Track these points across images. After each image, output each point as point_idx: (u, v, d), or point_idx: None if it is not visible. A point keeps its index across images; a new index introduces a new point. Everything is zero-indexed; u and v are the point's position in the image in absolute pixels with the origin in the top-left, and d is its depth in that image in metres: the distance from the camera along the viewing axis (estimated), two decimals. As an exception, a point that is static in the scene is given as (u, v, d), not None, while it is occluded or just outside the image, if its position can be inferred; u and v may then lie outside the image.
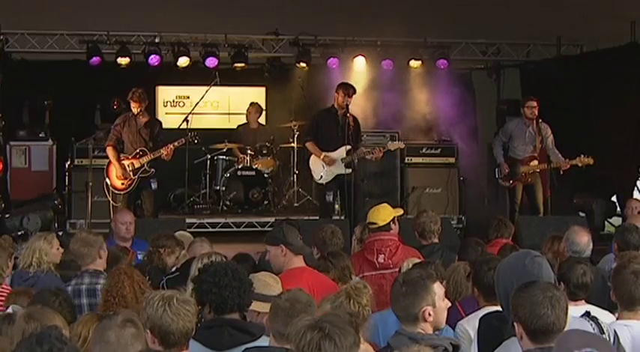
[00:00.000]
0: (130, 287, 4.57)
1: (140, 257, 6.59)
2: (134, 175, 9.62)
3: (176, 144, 9.68)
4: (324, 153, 9.55)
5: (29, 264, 5.73)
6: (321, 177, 9.64)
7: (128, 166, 9.62)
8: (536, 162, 10.07)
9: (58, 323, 3.63)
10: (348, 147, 9.46)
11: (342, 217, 9.71)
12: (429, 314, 3.64)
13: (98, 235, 5.71)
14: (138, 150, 9.63)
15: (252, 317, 4.15)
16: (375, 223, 6.27)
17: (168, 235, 6.44)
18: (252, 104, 12.45)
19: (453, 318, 4.59)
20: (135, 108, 9.53)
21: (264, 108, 12.70)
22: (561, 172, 9.70)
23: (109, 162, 9.73)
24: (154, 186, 9.68)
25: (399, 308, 3.68)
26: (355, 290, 4.11)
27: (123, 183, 9.64)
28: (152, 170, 9.63)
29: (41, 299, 4.37)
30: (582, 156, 9.66)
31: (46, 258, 5.75)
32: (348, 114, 9.44)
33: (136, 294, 4.53)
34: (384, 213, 6.33)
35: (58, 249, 5.86)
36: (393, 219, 6.32)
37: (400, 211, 6.62)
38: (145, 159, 9.58)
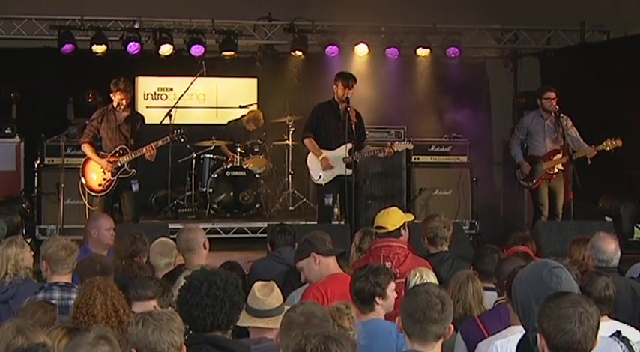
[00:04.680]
0: (101, 305, 4.50)
1: None
2: (113, 176, 9.57)
3: (160, 142, 9.62)
4: (323, 155, 9.51)
5: (4, 273, 5.69)
6: (320, 177, 9.61)
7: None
8: (559, 156, 10.04)
9: (47, 342, 3.64)
10: (350, 145, 9.44)
11: (342, 222, 9.70)
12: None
13: (76, 245, 5.67)
14: (117, 149, 9.58)
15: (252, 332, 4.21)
16: (384, 227, 6.24)
17: (129, 239, 6.39)
18: (250, 113, 12.39)
19: (472, 335, 4.56)
20: (120, 99, 9.37)
21: (259, 110, 12.65)
22: (589, 161, 9.65)
23: (86, 159, 9.69)
24: (134, 188, 9.63)
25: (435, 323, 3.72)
26: (337, 311, 4.11)
27: (101, 185, 9.59)
28: (133, 171, 9.57)
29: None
30: (609, 139, 9.65)
31: (23, 263, 5.71)
32: (349, 109, 9.42)
33: (107, 313, 4.45)
34: (394, 217, 6.29)
35: (30, 251, 5.83)
36: (403, 225, 6.30)
37: (411, 217, 6.57)
38: (125, 159, 9.52)
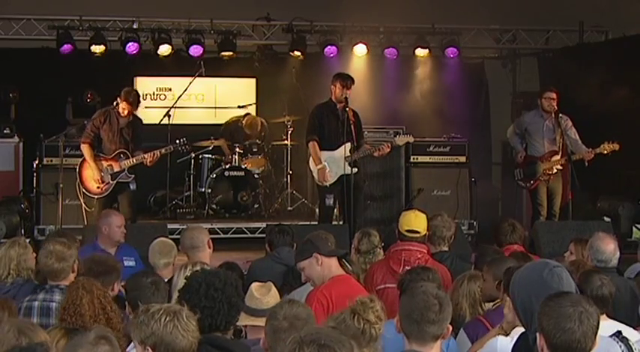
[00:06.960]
0: (89, 305, 4.49)
1: (127, 264, 6.67)
2: (112, 180, 9.57)
3: (163, 151, 9.65)
4: (322, 165, 9.44)
5: (7, 273, 5.70)
6: (324, 178, 9.58)
7: (107, 168, 9.57)
8: (557, 157, 10.05)
9: (47, 341, 3.65)
10: (349, 144, 9.43)
11: (341, 222, 9.69)
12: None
13: (71, 246, 5.63)
14: (118, 152, 9.58)
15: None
16: (417, 232, 6.30)
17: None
18: (249, 118, 12.38)
19: (481, 333, 4.56)
20: (123, 109, 9.42)
21: (258, 117, 12.64)
22: (586, 164, 9.69)
23: (83, 160, 9.68)
24: (132, 186, 9.64)
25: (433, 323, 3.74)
26: (361, 305, 4.09)
27: (99, 187, 9.59)
28: (132, 176, 9.60)
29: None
30: (606, 142, 9.68)
31: (25, 264, 5.73)
32: (348, 108, 9.42)
33: (95, 312, 4.46)
34: (424, 222, 6.37)
35: (32, 252, 5.85)
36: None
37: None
38: (125, 164, 9.51)
